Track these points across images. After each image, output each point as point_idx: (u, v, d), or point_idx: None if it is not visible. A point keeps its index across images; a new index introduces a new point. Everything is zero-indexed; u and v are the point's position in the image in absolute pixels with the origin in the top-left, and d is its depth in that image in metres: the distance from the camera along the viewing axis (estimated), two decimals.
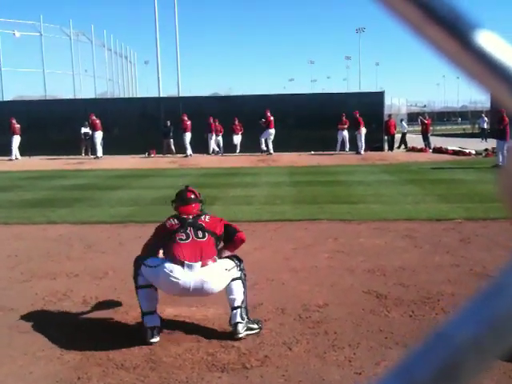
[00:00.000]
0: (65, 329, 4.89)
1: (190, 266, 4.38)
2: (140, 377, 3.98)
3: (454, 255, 7.08)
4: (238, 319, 4.59)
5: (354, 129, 23.81)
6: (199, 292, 4.51)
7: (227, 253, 4.84)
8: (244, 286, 4.72)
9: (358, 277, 6.28)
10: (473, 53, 0.35)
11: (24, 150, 24.45)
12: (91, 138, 24.46)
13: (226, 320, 4.90)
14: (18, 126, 24.17)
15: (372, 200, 11.79)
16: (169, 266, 4.40)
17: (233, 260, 4.75)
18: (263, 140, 24.16)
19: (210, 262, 4.47)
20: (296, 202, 11.74)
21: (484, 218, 9.32)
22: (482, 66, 0.35)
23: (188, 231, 4.60)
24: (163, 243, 4.69)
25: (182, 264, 4.38)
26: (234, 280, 4.65)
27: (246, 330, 4.62)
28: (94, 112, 24.60)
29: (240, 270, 4.74)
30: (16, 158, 24.11)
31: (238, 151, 24.88)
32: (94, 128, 24.04)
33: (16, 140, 24.25)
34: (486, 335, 0.33)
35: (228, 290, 4.67)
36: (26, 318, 5.16)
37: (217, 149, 25.05)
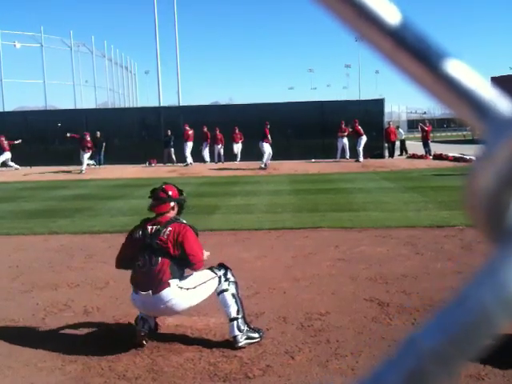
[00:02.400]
0: (66, 339, 4.88)
1: (142, 295, 4.49)
2: None
3: (456, 262, 7.06)
4: (236, 332, 4.59)
5: (355, 136, 23.80)
6: (166, 312, 4.65)
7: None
8: (234, 297, 4.69)
9: (360, 285, 6.27)
10: (442, 79, 0.38)
11: (25, 161, 24.48)
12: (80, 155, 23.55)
13: (228, 329, 4.89)
14: (7, 142, 23.86)
15: (373, 207, 11.78)
16: (132, 295, 4.65)
17: (213, 271, 4.75)
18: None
19: (162, 289, 4.43)
20: (297, 211, 11.74)
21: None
22: (450, 90, 0.38)
23: (146, 256, 4.51)
24: (131, 256, 4.64)
25: (137, 293, 4.54)
26: (221, 293, 4.68)
27: (246, 339, 4.60)
28: (95, 122, 24.65)
29: (226, 280, 4.73)
30: (16, 169, 24.01)
31: (238, 160, 24.89)
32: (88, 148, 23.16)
33: (6, 155, 23.98)
34: (447, 345, 0.34)
35: (220, 303, 4.72)
36: (27, 328, 5.15)
37: (207, 159, 24.98)
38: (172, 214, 4.79)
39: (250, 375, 4.08)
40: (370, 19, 0.38)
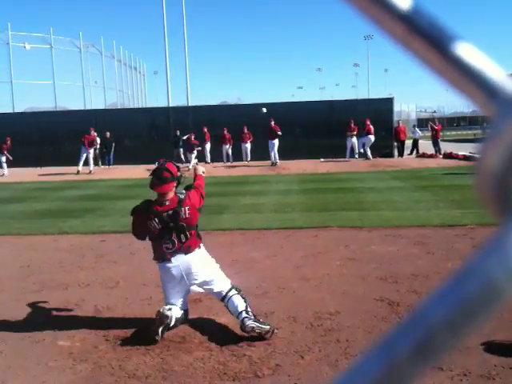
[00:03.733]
0: (77, 339, 4.90)
1: (175, 259, 4.82)
2: None
3: None
4: (244, 315, 4.73)
5: (364, 135, 23.68)
6: (196, 273, 4.84)
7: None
8: (243, 297, 4.91)
9: (370, 284, 6.25)
10: (452, 61, 0.40)
11: (35, 161, 24.63)
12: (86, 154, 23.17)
13: (238, 328, 4.89)
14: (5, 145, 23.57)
15: (383, 207, 11.73)
16: (161, 266, 4.91)
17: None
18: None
19: (194, 250, 4.88)
20: (306, 210, 11.72)
21: (497, 223, 9.22)
22: (460, 72, 0.40)
23: (173, 238, 4.81)
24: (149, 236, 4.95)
25: (169, 260, 4.84)
26: (229, 297, 4.86)
27: (255, 321, 4.68)
28: (104, 123, 24.75)
29: (237, 289, 4.97)
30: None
31: (248, 160, 24.90)
32: (87, 144, 22.89)
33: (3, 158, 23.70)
34: (456, 316, 0.36)
35: (229, 306, 4.86)
36: (39, 328, 5.17)
37: (208, 160, 24.96)
38: (173, 190, 4.97)
39: (259, 374, 4.08)
40: (382, 4, 0.39)
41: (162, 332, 4.69)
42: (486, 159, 0.38)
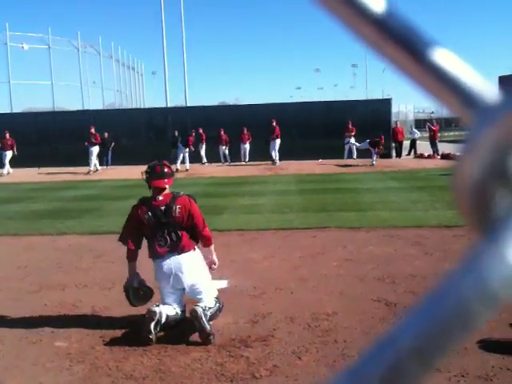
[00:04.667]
0: (74, 339, 4.90)
1: (168, 257, 4.91)
2: None
3: None
4: (201, 306, 4.81)
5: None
6: (186, 274, 4.90)
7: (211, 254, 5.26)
8: (218, 302, 5.00)
9: (368, 285, 6.25)
10: (427, 67, 0.38)
11: (33, 162, 24.58)
12: (89, 151, 23.24)
13: (235, 330, 4.90)
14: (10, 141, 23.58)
15: (381, 207, 11.74)
16: (156, 263, 4.98)
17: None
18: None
19: (188, 251, 4.96)
20: (304, 210, 11.72)
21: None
22: (437, 80, 0.38)
23: (165, 234, 4.90)
24: (142, 234, 5.03)
25: (163, 258, 4.92)
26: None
27: (205, 316, 4.71)
28: (102, 123, 24.72)
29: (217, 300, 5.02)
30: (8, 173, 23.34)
31: (246, 160, 24.90)
32: (92, 142, 23.01)
33: (9, 155, 23.63)
34: (426, 342, 0.33)
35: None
36: (36, 328, 5.17)
37: (205, 160, 24.94)
38: (169, 186, 5.08)
39: (256, 375, 4.08)
40: (354, 6, 0.38)
41: (155, 329, 4.68)
42: (464, 169, 0.37)
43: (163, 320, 4.74)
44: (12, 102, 36.42)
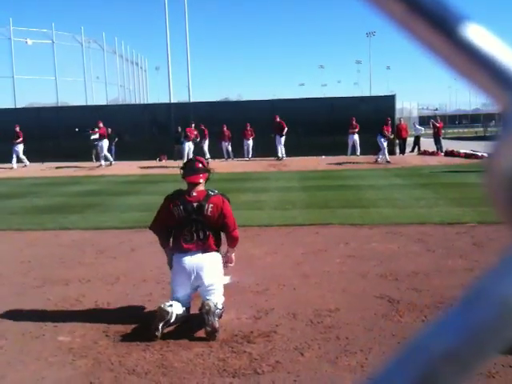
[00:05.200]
0: (77, 334, 4.91)
1: (191, 253, 4.91)
2: (152, 382, 3.98)
3: (467, 259, 7.01)
4: (214, 302, 4.82)
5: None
6: (204, 272, 4.89)
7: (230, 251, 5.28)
8: (223, 309, 4.94)
9: (370, 281, 6.24)
10: (460, 46, 0.34)
11: (36, 157, 24.62)
12: (98, 146, 23.87)
13: (238, 325, 4.91)
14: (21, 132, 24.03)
15: (384, 204, 11.73)
16: (176, 256, 4.96)
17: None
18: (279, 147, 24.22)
19: (212, 251, 4.98)
20: (307, 207, 11.71)
21: (497, 221, 9.21)
22: (470, 59, 0.35)
23: (193, 231, 4.91)
24: (170, 227, 5.04)
25: (185, 253, 4.91)
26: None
27: (214, 312, 4.72)
28: (105, 118, 24.74)
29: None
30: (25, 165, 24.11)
31: (249, 156, 24.89)
32: (101, 136, 23.48)
33: (21, 147, 24.13)
34: (463, 346, 0.31)
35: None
36: (39, 323, 5.18)
37: (208, 155, 24.83)
38: (203, 182, 5.11)
39: (259, 371, 4.09)
40: None
41: (162, 328, 4.70)
42: (499, 159, 0.33)
43: (172, 320, 4.76)
44: (16, 97, 36.46)
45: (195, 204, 4.94)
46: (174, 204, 4.98)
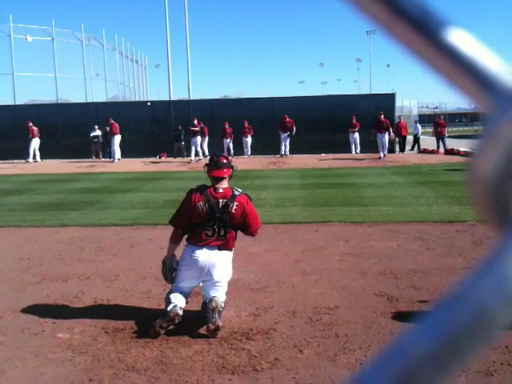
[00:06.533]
0: (76, 331, 4.91)
1: (207, 248, 4.90)
2: (151, 379, 3.98)
3: (467, 257, 7.02)
4: (220, 300, 4.86)
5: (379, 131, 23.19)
6: (215, 269, 4.89)
7: None
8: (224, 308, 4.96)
9: (370, 279, 6.25)
10: (443, 49, 0.35)
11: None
12: (110, 141, 24.21)
13: (237, 323, 4.91)
14: (36, 128, 24.41)
15: (383, 202, 11.73)
16: (191, 248, 4.93)
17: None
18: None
19: (227, 250, 4.98)
20: (307, 205, 11.72)
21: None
22: (453, 63, 0.35)
23: (215, 227, 4.91)
24: (191, 222, 4.97)
25: (201, 247, 4.89)
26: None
27: (219, 312, 4.77)
28: (105, 115, 24.73)
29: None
30: (35, 161, 24.41)
31: (248, 154, 24.88)
32: (113, 132, 23.87)
33: (34, 142, 24.50)
34: (442, 348, 0.31)
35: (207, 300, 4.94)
36: (38, 320, 5.18)
37: (201, 155, 24.82)
38: (227, 178, 5.11)
39: (258, 368, 4.09)
40: None
41: (167, 328, 4.73)
42: (482, 161, 0.34)
43: (176, 321, 4.79)
44: (15, 94, 36.42)
45: (220, 201, 4.93)
46: (198, 198, 4.94)
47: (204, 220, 4.90)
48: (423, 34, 0.35)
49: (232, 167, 5.16)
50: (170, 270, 5.07)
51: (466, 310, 0.31)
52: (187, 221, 4.97)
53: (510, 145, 0.33)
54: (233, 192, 5.01)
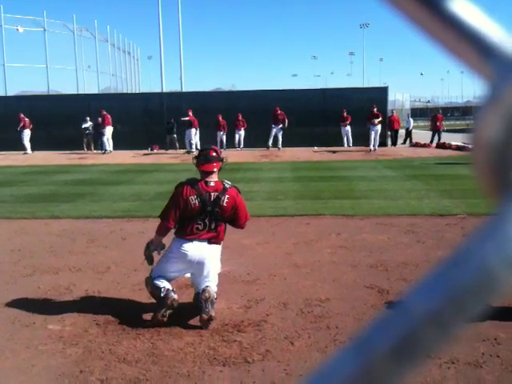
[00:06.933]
0: (67, 323, 4.91)
1: (197, 242, 4.89)
2: (142, 370, 3.99)
3: None
4: (214, 291, 4.89)
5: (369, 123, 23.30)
6: (205, 263, 4.90)
7: None
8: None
9: (361, 272, 6.28)
10: (443, 18, 0.35)
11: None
12: (101, 133, 24.22)
13: (228, 315, 4.92)
14: (28, 119, 24.32)
15: (375, 195, 11.77)
16: (180, 241, 4.92)
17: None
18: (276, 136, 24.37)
19: (216, 243, 4.99)
20: (298, 198, 11.73)
21: (487, 213, 9.27)
22: (453, 31, 0.35)
23: (206, 221, 4.90)
24: (182, 216, 4.93)
25: (191, 241, 4.89)
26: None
27: (212, 303, 4.79)
28: (97, 107, 24.59)
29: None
30: (25, 153, 24.32)
31: (241, 147, 24.84)
32: (105, 123, 23.83)
33: (26, 133, 24.44)
34: (445, 307, 0.32)
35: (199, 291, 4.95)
36: (29, 311, 5.17)
37: (193, 147, 24.75)
38: (217, 171, 5.10)
39: (249, 360, 4.11)
40: None
41: (168, 315, 4.80)
42: (483, 128, 0.34)
43: (175, 306, 4.87)
44: (6, 85, 36.13)
45: (212, 194, 4.92)
46: (189, 192, 4.91)
47: (195, 213, 4.88)
48: (424, 3, 0.35)
49: (222, 160, 5.13)
50: (151, 255, 5.14)
51: (470, 270, 0.32)
52: (178, 215, 4.93)
53: (510, 111, 0.33)
54: (223, 185, 5.01)
